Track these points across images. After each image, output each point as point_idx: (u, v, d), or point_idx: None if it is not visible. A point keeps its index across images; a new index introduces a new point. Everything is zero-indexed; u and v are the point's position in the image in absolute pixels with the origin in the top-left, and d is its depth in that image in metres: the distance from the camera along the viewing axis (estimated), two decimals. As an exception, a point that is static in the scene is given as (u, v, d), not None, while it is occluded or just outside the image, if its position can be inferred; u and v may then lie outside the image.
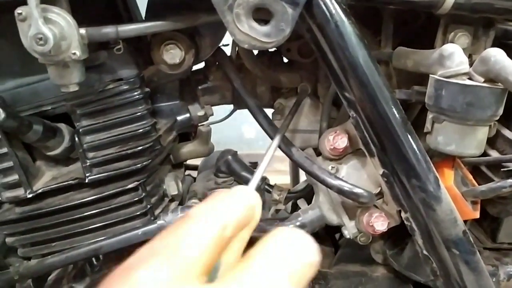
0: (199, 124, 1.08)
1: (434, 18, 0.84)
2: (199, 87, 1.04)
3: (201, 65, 1.06)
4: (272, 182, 1.26)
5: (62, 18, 0.66)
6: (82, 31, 0.71)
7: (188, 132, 1.13)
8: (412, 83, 0.90)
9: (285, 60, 1.10)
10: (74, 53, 0.68)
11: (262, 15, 0.71)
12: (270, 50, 1.08)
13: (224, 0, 0.67)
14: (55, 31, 0.65)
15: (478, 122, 0.74)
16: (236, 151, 1.15)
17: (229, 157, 1.10)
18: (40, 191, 0.86)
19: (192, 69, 1.08)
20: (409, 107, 0.96)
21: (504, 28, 0.92)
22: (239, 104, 1.07)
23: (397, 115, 0.75)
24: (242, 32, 0.68)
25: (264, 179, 1.28)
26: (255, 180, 0.71)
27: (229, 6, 0.67)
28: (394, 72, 0.94)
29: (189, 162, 1.28)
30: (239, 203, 0.34)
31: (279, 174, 1.72)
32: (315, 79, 1.03)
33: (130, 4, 0.97)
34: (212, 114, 1.04)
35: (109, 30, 0.74)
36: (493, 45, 0.86)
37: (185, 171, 1.37)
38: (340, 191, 0.81)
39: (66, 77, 0.72)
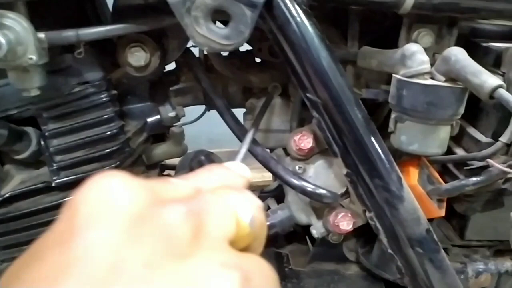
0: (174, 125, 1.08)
1: (401, 18, 0.84)
2: (171, 88, 1.04)
3: (174, 66, 1.06)
4: (260, 179, 1.27)
5: (18, 23, 0.66)
6: (41, 35, 0.70)
7: (163, 133, 1.13)
8: (382, 82, 0.91)
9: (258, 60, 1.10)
10: (31, 58, 0.68)
11: (222, 17, 0.71)
12: (241, 50, 1.08)
13: (182, 2, 0.66)
14: (9, 37, 0.65)
15: (440, 121, 0.74)
16: (210, 152, 1.15)
17: (202, 157, 1.10)
18: (7, 195, 0.86)
19: (164, 70, 1.09)
20: (379, 107, 0.97)
21: (471, 26, 0.93)
22: (211, 104, 1.06)
23: (359, 116, 0.75)
24: (201, 35, 0.68)
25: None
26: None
27: (187, 9, 0.67)
28: (364, 72, 0.94)
29: (168, 161, 1.28)
30: (221, 168, 0.36)
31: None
32: (286, 79, 1.03)
33: (99, 7, 0.96)
34: (184, 115, 1.04)
35: (69, 34, 0.73)
36: (460, 43, 0.86)
37: (164, 171, 1.37)
38: (303, 192, 0.81)
39: (26, 81, 0.72)
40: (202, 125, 1.25)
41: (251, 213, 0.30)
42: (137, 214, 0.25)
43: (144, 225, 0.25)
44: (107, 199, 0.26)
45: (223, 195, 0.30)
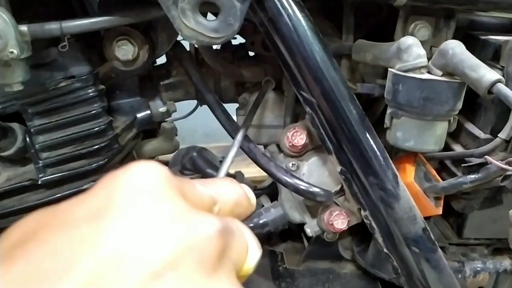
0: (165, 120, 1.05)
1: (397, 10, 0.81)
2: (162, 83, 1.01)
3: (165, 59, 1.04)
4: (257, 174, 1.25)
5: (-2, 16, 0.64)
6: (23, 28, 0.68)
7: (155, 129, 1.11)
8: (378, 77, 0.88)
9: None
10: (12, 52, 0.65)
11: (212, 9, 0.68)
12: (234, 43, 1.06)
13: (168, -6, 0.64)
14: (-12, 30, 0.62)
15: (436, 117, 0.72)
16: (202, 147, 1.13)
17: (194, 154, 1.08)
18: (-7, 193, 0.83)
19: (155, 64, 1.06)
20: (375, 102, 0.94)
21: (469, 18, 0.90)
22: (202, 99, 1.04)
23: (353, 112, 0.72)
24: (188, 28, 0.65)
25: (240, 174, 1.26)
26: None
27: (173, 1, 0.64)
28: (360, 65, 0.91)
29: (161, 157, 1.26)
30: (239, 188, 0.36)
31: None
32: (280, 73, 1.01)
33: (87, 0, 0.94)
34: (175, 110, 1.02)
35: (52, 27, 0.71)
36: (458, 36, 0.83)
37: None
38: (296, 190, 0.79)
39: (8, 76, 0.70)
40: (198, 119, 1.23)
41: (257, 258, 0.32)
42: (174, 214, 0.26)
43: (180, 226, 0.26)
44: (149, 190, 0.27)
45: (241, 226, 0.31)
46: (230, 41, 1.04)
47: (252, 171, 1.36)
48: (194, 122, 1.30)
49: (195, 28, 0.65)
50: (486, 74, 0.65)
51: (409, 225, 0.75)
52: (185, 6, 0.64)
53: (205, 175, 1.07)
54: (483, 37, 0.83)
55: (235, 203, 0.34)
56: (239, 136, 0.81)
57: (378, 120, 0.92)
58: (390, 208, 0.74)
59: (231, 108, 1.06)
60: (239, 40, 1.06)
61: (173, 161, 1.22)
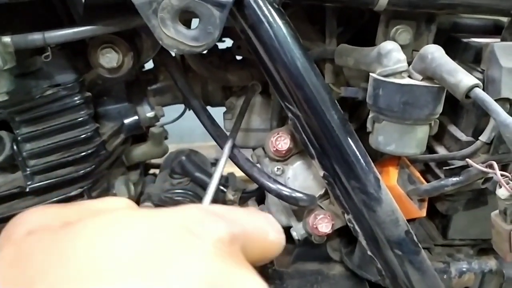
0: (155, 125, 1.06)
1: (379, 14, 0.82)
2: (149, 88, 1.02)
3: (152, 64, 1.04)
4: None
5: (-21, 28, 0.64)
6: (6, 39, 0.69)
7: (145, 133, 1.11)
8: (362, 80, 0.89)
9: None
10: (-5, 64, 0.66)
11: (192, 16, 0.69)
12: (221, 47, 1.07)
13: (148, 4, 0.65)
14: (-31, 43, 0.63)
15: (417, 121, 0.72)
16: (192, 150, 1.13)
17: (183, 157, 1.09)
18: (-19, 201, 0.84)
19: (143, 69, 1.07)
20: (360, 105, 0.95)
21: (452, 21, 0.91)
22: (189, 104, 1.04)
23: (335, 116, 0.73)
24: (169, 37, 0.66)
25: (232, 175, 1.27)
26: (209, 194, 0.70)
27: (153, 10, 0.65)
28: (344, 69, 0.92)
29: (154, 160, 1.27)
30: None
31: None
32: (267, 77, 1.01)
33: (72, 6, 0.94)
34: (163, 115, 1.02)
35: (35, 37, 0.71)
36: (441, 39, 0.84)
37: (148, 170, 1.36)
38: (278, 195, 0.79)
39: (-8, 87, 0.70)
40: (196, 119, 1.24)
41: None
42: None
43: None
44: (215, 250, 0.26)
45: None
46: (217, 45, 1.05)
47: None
48: (192, 122, 1.30)
49: (175, 37, 0.66)
50: (464, 79, 0.65)
51: (391, 228, 0.76)
52: (165, 16, 0.65)
53: (194, 179, 1.08)
54: (465, 40, 0.84)
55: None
56: (227, 147, 0.82)
57: (363, 123, 0.93)
58: (373, 212, 0.75)
59: (219, 111, 1.07)
60: (227, 43, 1.06)
61: (163, 165, 1.23)
